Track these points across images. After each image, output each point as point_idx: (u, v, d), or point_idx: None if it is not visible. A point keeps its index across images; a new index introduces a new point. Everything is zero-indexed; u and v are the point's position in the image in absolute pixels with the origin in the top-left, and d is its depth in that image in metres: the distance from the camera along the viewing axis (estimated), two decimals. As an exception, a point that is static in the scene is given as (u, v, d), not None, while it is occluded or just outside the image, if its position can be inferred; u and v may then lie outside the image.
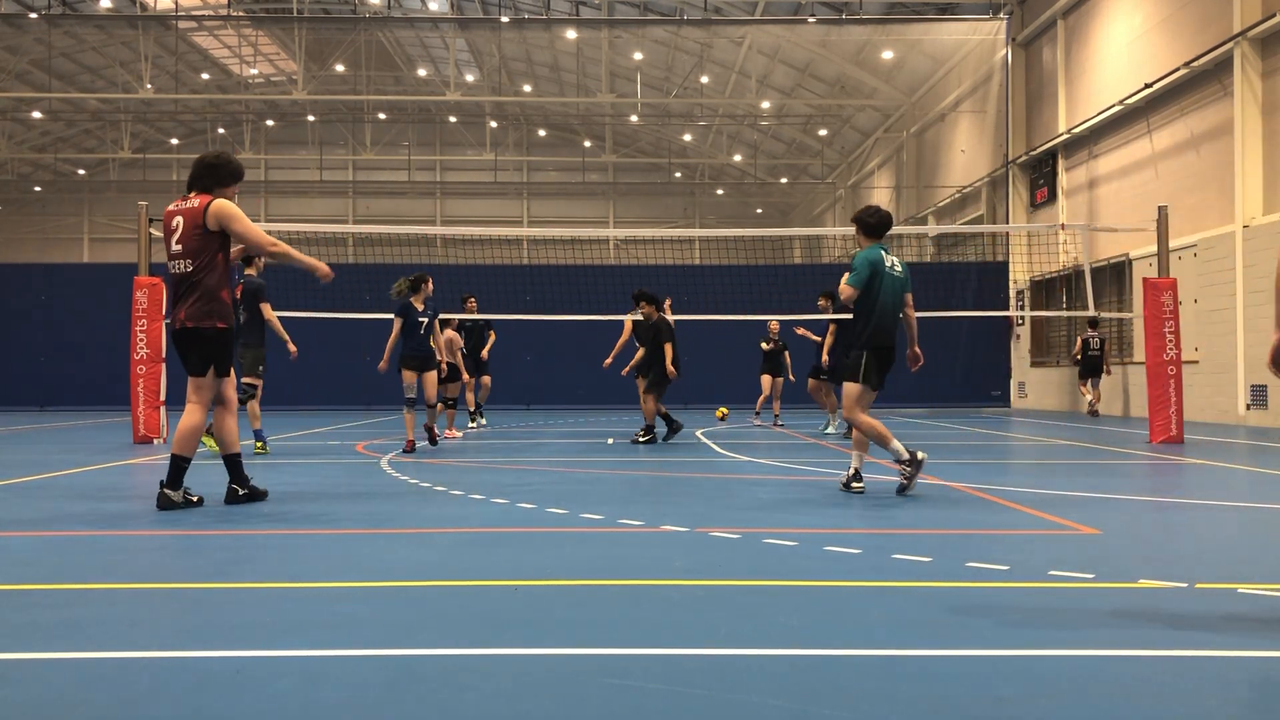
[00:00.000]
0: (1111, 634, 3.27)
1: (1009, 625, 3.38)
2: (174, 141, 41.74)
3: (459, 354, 13.04)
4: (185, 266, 6.16)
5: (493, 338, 15.53)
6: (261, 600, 3.79)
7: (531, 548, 4.88)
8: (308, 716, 2.50)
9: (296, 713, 2.53)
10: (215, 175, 6.29)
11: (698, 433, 13.87)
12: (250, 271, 10.09)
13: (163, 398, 12.35)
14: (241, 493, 6.42)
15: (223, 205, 6.16)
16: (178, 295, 6.23)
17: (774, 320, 15.40)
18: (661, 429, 12.57)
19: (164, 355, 12.25)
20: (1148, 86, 18.02)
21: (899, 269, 7.15)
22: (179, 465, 6.17)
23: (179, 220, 6.20)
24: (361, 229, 25.32)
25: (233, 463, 6.46)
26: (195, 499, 6.30)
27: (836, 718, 2.49)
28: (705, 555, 4.66)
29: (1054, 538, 5.24)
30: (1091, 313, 13.60)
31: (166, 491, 6.14)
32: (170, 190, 41.89)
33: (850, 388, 7.08)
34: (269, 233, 6.73)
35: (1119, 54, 19.61)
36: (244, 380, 10.01)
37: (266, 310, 10.07)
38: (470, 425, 14.85)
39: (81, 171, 44.15)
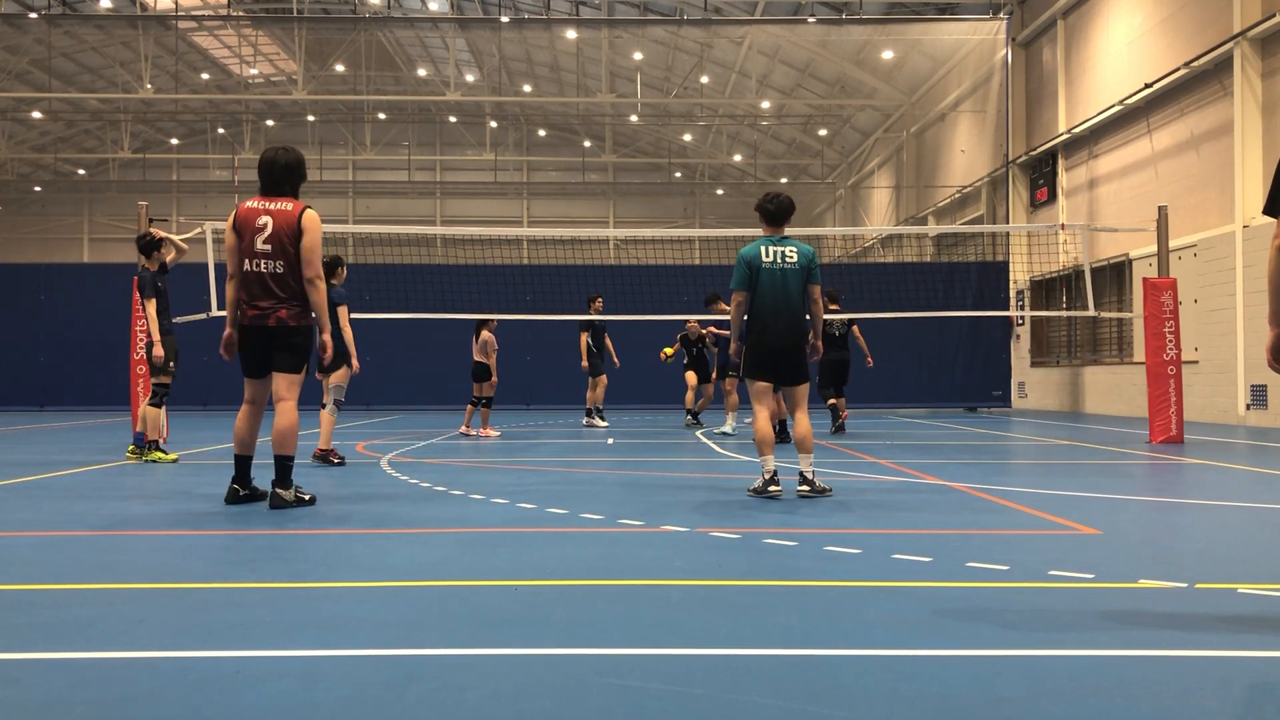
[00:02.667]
0: (1111, 634, 3.27)
1: (1009, 625, 3.38)
2: (174, 141, 41.72)
3: (493, 355, 13.38)
4: (276, 267, 6.22)
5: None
6: (261, 600, 3.79)
7: (531, 548, 4.88)
8: (307, 716, 2.50)
9: (296, 713, 2.53)
10: (300, 176, 6.45)
11: (698, 433, 13.87)
12: (150, 265, 9.60)
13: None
14: (242, 493, 6.41)
15: (316, 218, 6.30)
16: (259, 293, 6.24)
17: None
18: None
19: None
20: (1148, 86, 18.02)
21: (791, 259, 6.75)
22: (284, 465, 6.25)
23: (267, 220, 6.24)
24: (361, 229, 25.26)
25: (242, 463, 6.47)
26: (307, 497, 6.37)
27: (836, 718, 2.49)
28: (705, 555, 4.66)
29: (1054, 538, 5.24)
30: (1091, 313, 13.60)
31: (278, 491, 6.20)
32: (170, 190, 41.95)
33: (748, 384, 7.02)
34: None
35: (1119, 54, 19.60)
36: (156, 381, 9.68)
37: (149, 307, 9.50)
38: (601, 423, 15.40)
39: (81, 171, 44.14)
